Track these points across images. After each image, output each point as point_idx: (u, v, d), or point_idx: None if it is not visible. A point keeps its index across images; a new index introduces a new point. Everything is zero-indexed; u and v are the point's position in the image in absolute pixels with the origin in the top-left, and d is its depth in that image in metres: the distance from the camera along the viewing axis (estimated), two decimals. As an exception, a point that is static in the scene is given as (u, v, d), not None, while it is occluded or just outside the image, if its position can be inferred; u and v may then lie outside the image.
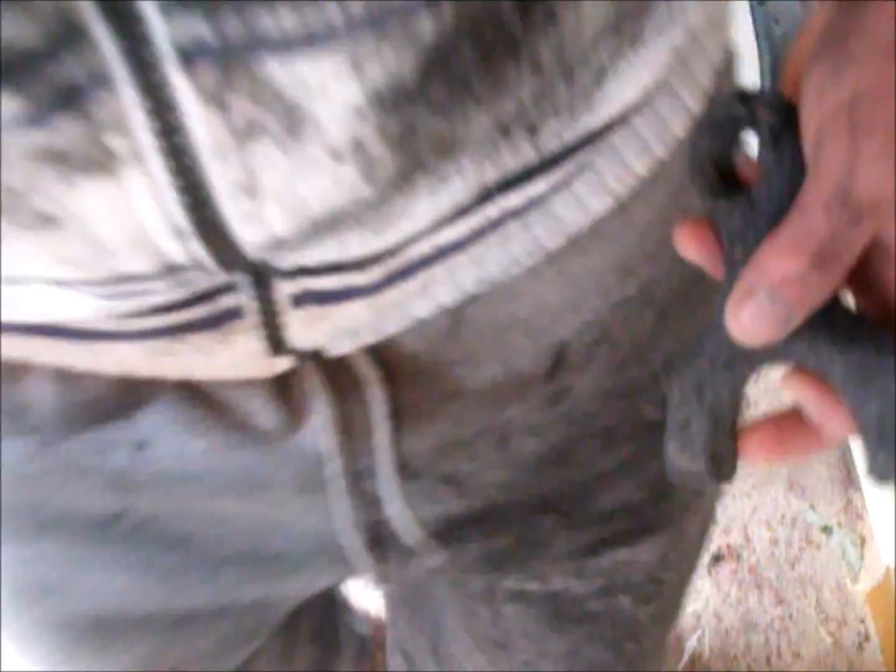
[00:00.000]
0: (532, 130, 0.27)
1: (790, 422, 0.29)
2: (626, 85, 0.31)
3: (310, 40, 0.20)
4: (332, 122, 0.22)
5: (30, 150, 0.20)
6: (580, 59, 0.27)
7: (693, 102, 0.36)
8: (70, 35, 0.19)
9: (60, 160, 0.21)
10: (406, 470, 0.38)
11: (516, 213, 0.32)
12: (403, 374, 0.36)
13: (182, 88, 0.20)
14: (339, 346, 0.33)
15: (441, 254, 0.31)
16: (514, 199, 0.31)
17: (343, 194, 0.24)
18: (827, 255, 0.24)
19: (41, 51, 0.19)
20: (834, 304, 0.28)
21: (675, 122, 0.36)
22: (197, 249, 0.24)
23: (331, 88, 0.21)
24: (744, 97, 0.28)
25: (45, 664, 0.50)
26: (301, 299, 0.30)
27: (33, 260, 0.24)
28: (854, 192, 0.24)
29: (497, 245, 0.33)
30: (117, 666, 0.48)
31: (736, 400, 0.31)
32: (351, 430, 0.36)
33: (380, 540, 0.42)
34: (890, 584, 1.16)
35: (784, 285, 0.24)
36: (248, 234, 0.24)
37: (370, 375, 0.35)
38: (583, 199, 0.34)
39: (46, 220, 0.22)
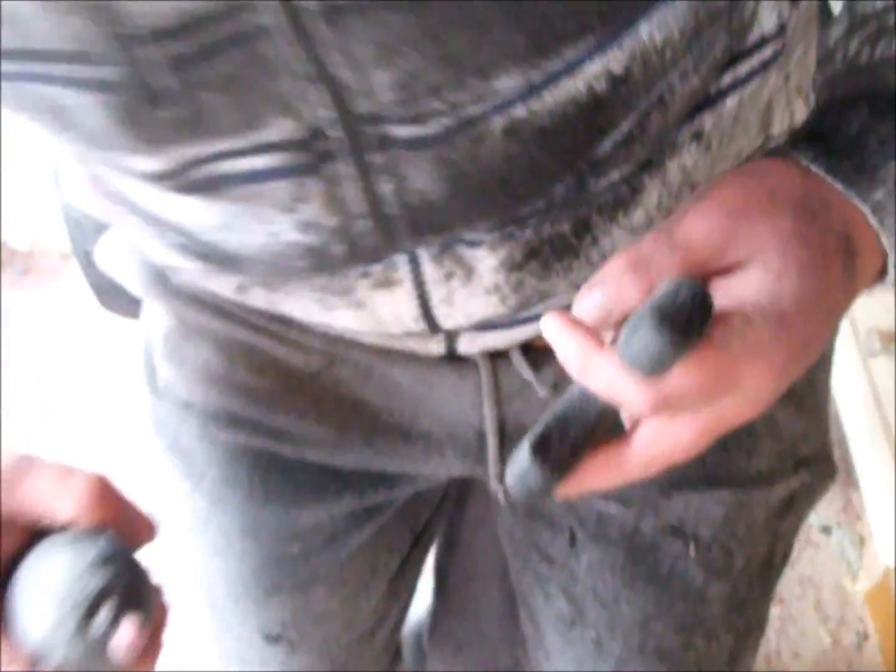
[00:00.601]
0: None
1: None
2: None
3: (472, 243, 0.42)
4: (484, 274, 0.43)
5: (359, 275, 0.44)
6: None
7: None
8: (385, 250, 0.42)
9: (371, 278, 0.44)
10: (528, 354, 0.53)
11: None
12: None
13: (423, 257, 0.43)
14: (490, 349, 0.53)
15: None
16: None
17: (489, 311, 0.46)
18: (641, 264, 0.33)
19: (358, 260, 0.43)
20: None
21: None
22: (423, 326, 0.47)
23: (483, 258, 0.43)
24: None
25: (208, 488, 0.58)
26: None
27: (344, 319, 0.48)
28: (675, 229, 0.34)
29: None
30: (261, 505, 0.58)
31: (592, 409, 0.35)
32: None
33: (504, 433, 0.56)
34: (889, 583, 1.17)
35: (605, 280, 0.34)
36: (447, 324, 0.47)
37: None
38: None
39: (359, 304, 0.46)
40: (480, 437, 0.56)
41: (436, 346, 0.52)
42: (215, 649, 0.62)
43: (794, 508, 0.63)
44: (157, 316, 0.58)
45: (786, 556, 0.65)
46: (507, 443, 0.56)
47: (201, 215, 0.41)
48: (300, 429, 0.56)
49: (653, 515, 0.59)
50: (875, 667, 1.18)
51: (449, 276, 0.44)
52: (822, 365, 0.66)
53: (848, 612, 1.22)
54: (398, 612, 0.70)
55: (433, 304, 0.45)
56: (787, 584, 1.24)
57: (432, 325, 0.47)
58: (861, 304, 1.30)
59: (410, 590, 0.71)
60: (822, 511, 1.31)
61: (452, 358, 0.53)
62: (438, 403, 0.55)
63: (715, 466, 0.58)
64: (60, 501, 0.35)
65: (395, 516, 0.64)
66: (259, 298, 0.50)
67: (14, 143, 1.44)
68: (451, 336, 0.51)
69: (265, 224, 0.40)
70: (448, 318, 0.46)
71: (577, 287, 0.44)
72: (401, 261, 0.43)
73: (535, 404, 0.54)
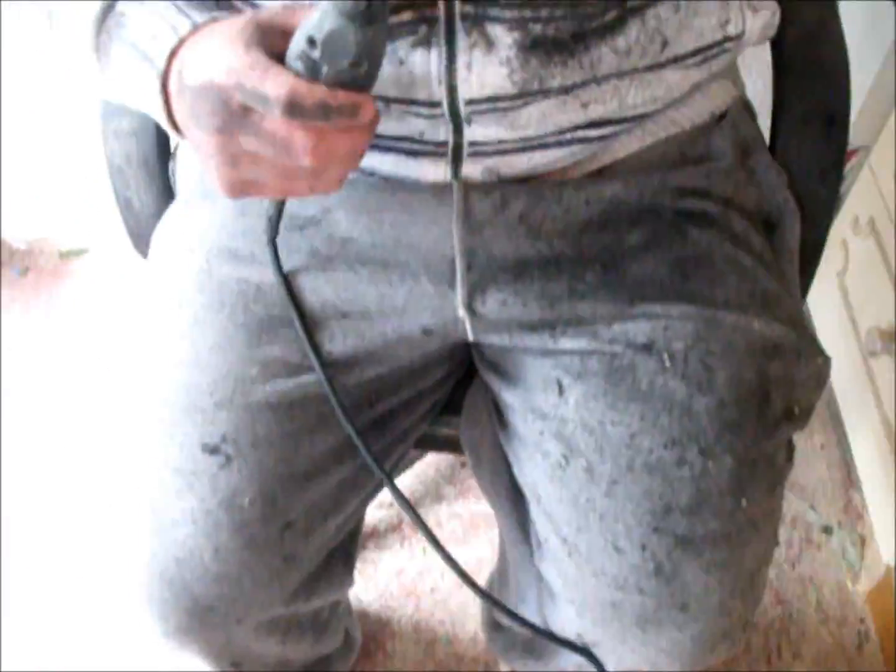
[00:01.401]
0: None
1: None
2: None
3: (497, 20, 0.54)
4: (500, 48, 0.54)
5: (408, 31, 0.54)
6: None
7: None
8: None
9: (415, 36, 0.54)
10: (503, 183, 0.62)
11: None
12: None
13: (458, 29, 0.54)
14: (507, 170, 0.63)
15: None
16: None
17: (498, 84, 0.55)
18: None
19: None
20: None
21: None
22: (444, 94, 0.56)
23: (502, 35, 0.54)
24: None
25: (193, 310, 0.66)
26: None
27: (384, 81, 0.55)
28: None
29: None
30: (237, 329, 0.66)
31: None
32: None
33: (474, 257, 0.64)
34: (890, 583, 1.16)
35: None
36: (464, 91, 0.56)
37: None
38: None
39: (400, 62, 0.55)
40: (452, 265, 0.65)
41: (442, 171, 0.61)
42: (154, 460, 0.66)
43: (781, 357, 0.64)
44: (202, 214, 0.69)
45: (788, 413, 0.65)
46: (473, 267, 0.64)
47: None
48: (293, 261, 0.66)
49: (621, 332, 0.64)
50: (876, 667, 1.18)
51: (474, 46, 0.54)
52: (787, 255, 0.70)
53: (849, 612, 1.22)
54: (340, 485, 0.70)
55: (457, 66, 0.55)
56: (788, 584, 1.24)
57: (451, 90, 0.56)
58: (861, 304, 1.29)
59: (356, 473, 0.71)
60: (823, 511, 1.31)
61: (438, 188, 0.62)
62: (417, 237, 0.64)
63: (673, 286, 0.64)
64: None
65: (353, 389, 0.69)
66: None
67: (14, 142, 1.44)
68: (457, 153, 0.59)
69: None
70: (466, 83, 0.55)
71: (566, 90, 0.57)
72: (441, 27, 0.53)
73: (502, 234, 0.63)
